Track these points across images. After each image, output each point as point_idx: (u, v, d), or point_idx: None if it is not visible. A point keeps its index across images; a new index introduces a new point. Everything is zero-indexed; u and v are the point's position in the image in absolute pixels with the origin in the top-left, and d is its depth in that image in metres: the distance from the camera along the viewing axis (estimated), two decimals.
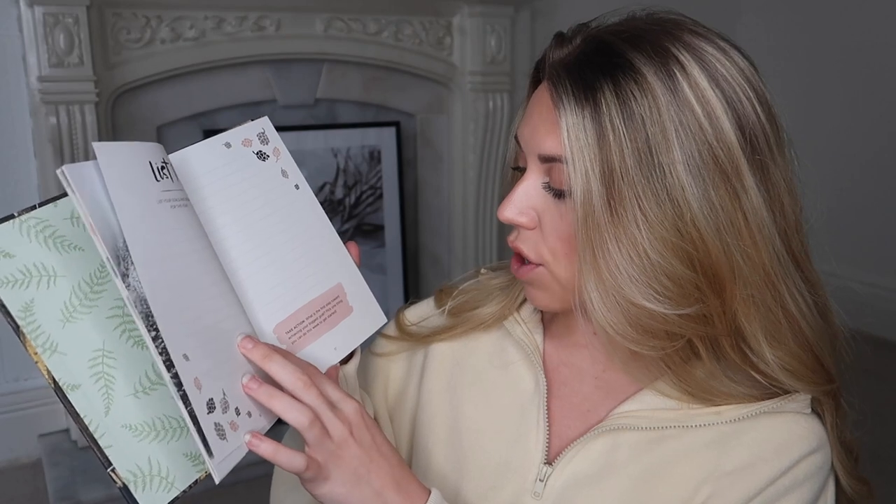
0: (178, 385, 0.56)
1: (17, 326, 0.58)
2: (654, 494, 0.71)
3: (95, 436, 0.59)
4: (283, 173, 0.75)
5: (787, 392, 0.71)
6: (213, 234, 0.68)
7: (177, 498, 0.60)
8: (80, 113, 2.15)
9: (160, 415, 0.62)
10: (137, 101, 2.33)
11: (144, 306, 0.56)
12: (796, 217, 0.69)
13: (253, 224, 0.71)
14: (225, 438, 0.59)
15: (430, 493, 0.68)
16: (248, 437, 0.61)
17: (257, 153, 0.73)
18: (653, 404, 0.73)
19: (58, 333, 0.59)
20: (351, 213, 2.67)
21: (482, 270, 0.88)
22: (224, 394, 0.60)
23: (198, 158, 0.69)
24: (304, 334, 0.71)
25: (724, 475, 0.70)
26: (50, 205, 0.61)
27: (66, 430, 2.35)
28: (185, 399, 0.56)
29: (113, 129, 2.29)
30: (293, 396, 0.62)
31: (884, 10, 3.09)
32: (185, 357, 0.58)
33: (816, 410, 0.74)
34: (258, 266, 0.70)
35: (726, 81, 0.65)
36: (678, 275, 0.64)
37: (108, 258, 0.56)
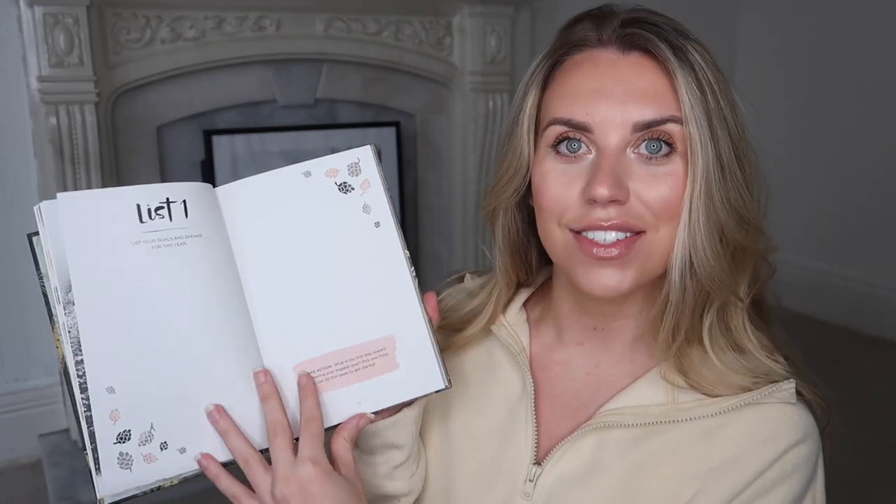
0: (87, 408, 0.63)
1: (51, 314, 0.65)
2: (642, 491, 0.71)
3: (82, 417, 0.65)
4: (365, 208, 0.71)
5: (773, 382, 0.72)
6: (250, 265, 0.68)
7: (136, 496, 0.65)
8: (80, 113, 2.15)
9: None
10: (137, 101, 2.33)
11: (76, 333, 0.63)
12: None
13: (299, 259, 0.69)
14: (129, 468, 0.64)
15: None
16: (198, 456, 0.66)
17: (340, 185, 0.71)
18: (640, 400, 0.74)
19: None
20: None
21: (467, 276, 0.89)
22: (152, 427, 0.64)
23: (262, 186, 0.70)
24: (327, 379, 0.69)
25: (711, 470, 0.70)
26: None
27: (66, 430, 2.35)
28: (88, 420, 0.63)
29: (113, 129, 2.29)
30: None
31: (884, 10, 3.09)
32: (111, 390, 0.63)
33: (806, 399, 0.74)
34: (293, 303, 0.69)
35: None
36: (753, 213, 0.71)
37: (55, 287, 0.64)
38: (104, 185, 2.23)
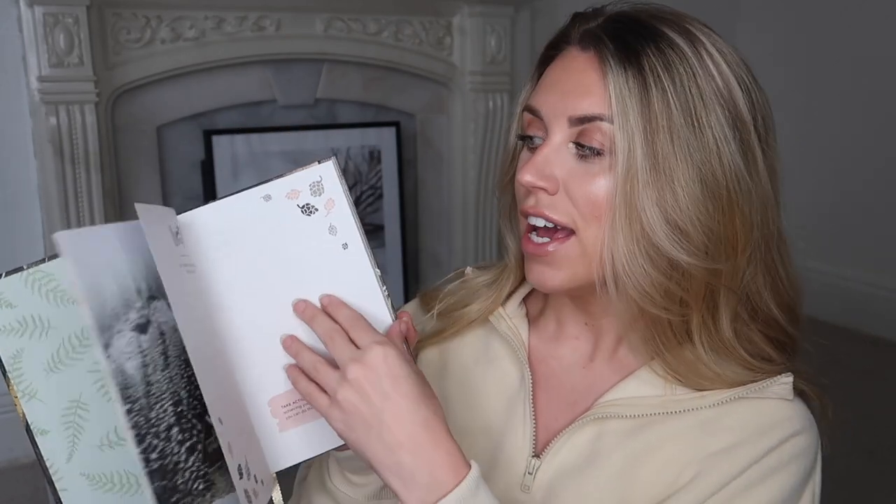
0: (212, 440, 0.58)
1: (5, 371, 0.63)
2: (640, 480, 0.72)
3: (53, 479, 0.64)
4: (331, 230, 0.67)
5: (769, 377, 0.72)
6: (221, 297, 0.65)
7: None
8: (80, 113, 2.15)
9: (120, 469, 0.65)
10: (137, 101, 2.33)
11: (122, 378, 0.54)
12: (777, 195, 0.75)
13: (266, 291, 0.66)
14: None
15: (469, 466, 0.64)
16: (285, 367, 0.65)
17: (303, 207, 0.66)
18: (637, 392, 0.74)
19: (40, 382, 0.63)
20: None
21: (468, 270, 0.89)
22: (246, 460, 0.62)
23: (219, 215, 0.66)
24: (302, 412, 0.67)
25: (709, 455, 0.71)
26: (58, 259, 0.64)
27: None
28: (218, 454, 0.58)
29: (113, 130, 2.29)
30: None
31: (883, 10, 3.09)
32: (220, 421, 0.59)
33: (803, 392, 0.74)
34: (265, 336, 0.66)
35: (735, 63, 0.70)
36: (709, 230, 0.68)
37: (92, 326, 0.55)
38: (104, 185, 2.23)
